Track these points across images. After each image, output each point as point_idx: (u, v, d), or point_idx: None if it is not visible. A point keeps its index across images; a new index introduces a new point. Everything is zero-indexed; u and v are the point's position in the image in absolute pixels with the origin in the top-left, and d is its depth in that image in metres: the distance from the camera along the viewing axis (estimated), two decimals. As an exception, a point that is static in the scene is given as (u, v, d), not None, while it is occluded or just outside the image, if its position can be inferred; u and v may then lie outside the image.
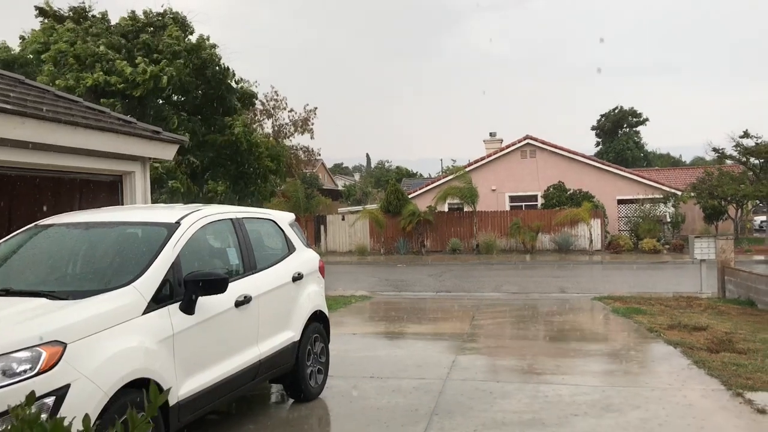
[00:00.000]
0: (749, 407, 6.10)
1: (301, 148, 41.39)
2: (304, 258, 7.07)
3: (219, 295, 5.12)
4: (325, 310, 7.25)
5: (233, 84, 20.55)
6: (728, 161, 37.21)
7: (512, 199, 38.56)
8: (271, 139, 28.53)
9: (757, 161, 34.78)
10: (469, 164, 40.06)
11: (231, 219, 6.06)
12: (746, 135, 34.59)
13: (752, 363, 7.89)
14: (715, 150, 36.91)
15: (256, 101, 22.46)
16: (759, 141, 34.31)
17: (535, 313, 14.16)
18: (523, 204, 37.94)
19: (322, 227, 37.80)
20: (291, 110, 39.35)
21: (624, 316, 12.67)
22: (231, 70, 20.38)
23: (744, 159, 35.20)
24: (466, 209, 36.20)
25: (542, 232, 34.23)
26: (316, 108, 39.62)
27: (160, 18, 20.55)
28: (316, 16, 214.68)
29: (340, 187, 72.58)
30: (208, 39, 20.09)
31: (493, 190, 37.65)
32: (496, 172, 38.52)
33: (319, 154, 44.43)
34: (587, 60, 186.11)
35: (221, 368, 5.28)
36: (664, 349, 9.20)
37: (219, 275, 5.12)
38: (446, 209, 36.87)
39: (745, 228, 38.12)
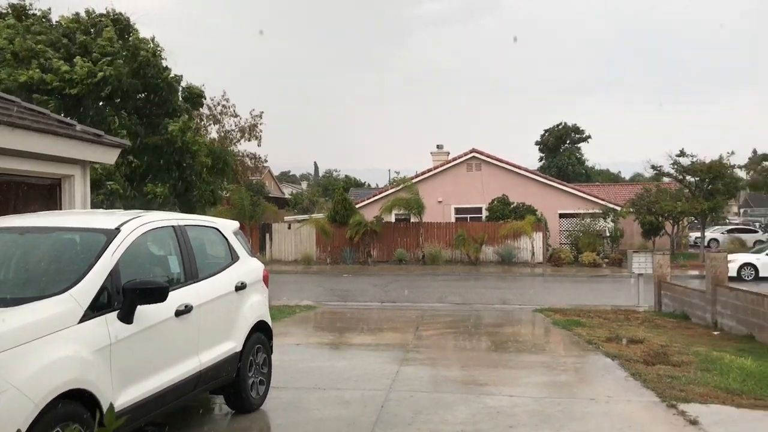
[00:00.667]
0: (682, 418, 6.28)
1: (248, 155, 40.91)
2: (248, 267, 6.98)
3: (159, 304, 5.01)
4: (269, 321, 7.17)
5: (178, 86, 20.19)
6: (666, 179, 38.44)
7: (458, 211, 38.97)
8: (215, 142, 28.11)
9: (692, 179, 36.04)
10: (417, 176, 40.34)
11: (173, 226, 5.94)
12: (683, 154, 35.84)
13: (685, 375, 8.14)
14: (653, 167, 38.12)
15: (204, 101, 21.97)
16: (695, 160, 35.60)
17: (478, 324, 14.31)
18: (469, 216, 38.40)
19: (267, 235, 37.44)
20: (238, 116, 38.92)
21: (564, 328, 12.91)
22: (177, 75, 20.04)
23: (681, 177, 36.44)
24: (412, 220, 36.41)
25: (486, 244, 34.68)
26: (262, 113, 39.27)
27: (102, 19, 20.09)
28: (266, 25, 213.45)
29: (287, 196, 72.09)
30: (153, 40, 19.72)
31: (440, 202, 37.97)
32: (442, 184, 38.88)
33: (266, 161, 44.00)
34: (533, 76, 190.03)
35: (160, 379, 5.16)
36: (602, 361, 9.40)
37: (159, 284, 5.01)
38: (393, 220, 37.02)
39: (680, 244, 39.39)
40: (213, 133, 38.08)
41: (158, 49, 19.62)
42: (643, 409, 6.75)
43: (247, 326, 6.58)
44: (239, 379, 6.40)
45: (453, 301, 20.08)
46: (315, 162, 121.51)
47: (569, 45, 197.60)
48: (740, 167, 39.46)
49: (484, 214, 37.68)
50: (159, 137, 18.61)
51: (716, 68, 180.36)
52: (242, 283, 6.60)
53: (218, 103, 38.03)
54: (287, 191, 79.22)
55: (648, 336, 11.63)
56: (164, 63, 19.64)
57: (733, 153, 36.19)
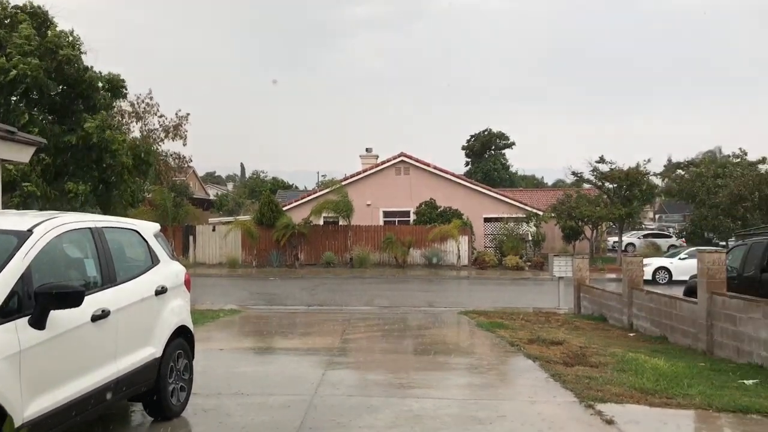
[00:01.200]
0: (599, 418, 6.48)
1: (172, 155, 39.93)
2: (169, 271, 6.80)
3: (74, 308, 4.81)
4: (190, 325, 7.00)
5: (98, 82, 19.43)
6: (586, 185, 39.73)
7: (386, 214, 39.18)
8: (137, 141, 27.20)
9: (611, 185, 37.39)
10: (345, 178, 40.33)
11: (90, 228, 5.72)
12: (602, 161, 37.14)
13: (603, 376, 8.41)
14: (574, 174, 39.40)
15: (126, 92, 21.11)
16: (613, 167, 36.94)
17: (405, 327, 14.40)
18: (397, 219, 38.66)
19: (191, 238, 36.63)
20: (162, 115, 37.94)
21: (487, 330, 13.14)
22: (98, 72, 19.32)
23: (600, 183, 37.75)
24: (341, 223, 36.36)
25: (414, 247, 34.99)
26: (188, 114, 38.40)
27: (18, 12, 19.16)
28: (194, 24, 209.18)
29: (212, 197, 70.75)
30: (72, 33, 18.93)
31: (368, 205, 38.07)
32: (371, 188, 39.01)
33: (191, 162, 43.04)
34: (461, 83, 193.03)
35: (74, 387, 4.95)
36: (524, 362, 9.62)
37: (74, 287, 4.81)
38: (321, 222, 36.87)
39: (599, 248, 40.78)
40: (135, 131, 36.98)
41: (78, 42, 18.88)
42: (562, 409, 6.93)
43: (168, 331, 6.41)
44: (159, 386, 6.22)
45: (380, 304, 20.15)
46: (242, 163, 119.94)
47: (496, 54, 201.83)
48: (656, 175, 41.22)
49: (412, 217, 38.01)
50: (76, 134, 17.89)
51: (636, 80, 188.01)
52: (163, 287, 6.43)
53: (142, 101, 37.03)
54: (212, 192, 77.72)
55: (568, 337, 11.97)
56: (84, 58, 18.91)
57: (649, 161, 37.77)
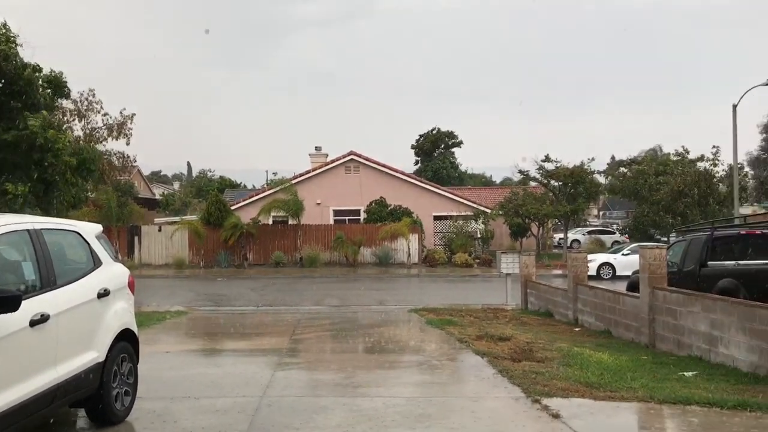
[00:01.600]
0: (545, 413, 6.59)
1: (115, 154, 38.94)
2: (112, 273, 6.64)
3: (11, 313, 4.66)
4: (135, 328, 6.85)
5: (38, 77, 18.79)
6: (532, 183, 40.40)
7: (336, 213, 39.08)
8: (79, 140, 26.48)
9: (556, 183, 38.12)
10: (295, 177, 40.08)
11: (27, 230, 5.54)
12: (547, 159, 37.85)
13: (549, 371, 8.56)
14: (521, 172, 40.04)
15: (68, 91, 20.46)
16: (558, 165, 37.66)
17: (355, 326, 14.39)
18: (347, 218, 38.61)
19: (136, 238, 35.90)
20: (106, 114, 36.99)
21: (437, 327, 13.24)
22: (39, 69, 18.70)
23: (546, 181, 38.45)
24: (290, 222, 36.14)
25: (364, 246, 35.01)
26: (134, 114, 37.51)
27: None
28: (139, 20, 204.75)
29: (157, 197, 69.40)
30: (5, 25, 18.27)
31: (318, 204, 37.91)
32: (320, 186, 38.85)
33: (135, 161, 42.04)
34: (410, 82, 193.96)
35: (12, 394, 4.79)
36: (472, 359, 9.72)
37: (10, 292, 4.67)
38: (270, 222, 36.57)
39: (546, 244, 41.53)
40: (77, 130, 35.99)
41: (13, 37, 18.23)
42: (510, 404, 7.03)
43: (111, 335, 6.26)
44: (102, 391, 6.07)
45: (331, 303, 20.10)
46: (188, 162, 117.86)
47: (444, 53, 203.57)
48: (600, 173, 42.21)
49: (363, 216, 38.03)
50: (16, 133, 17.28)
51: (581, 80, 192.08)
52: (105, 290, 6.28)
53: (85, 98, 36.02)
54: (158, 192, 76.21)
55: (515, 333, 12.14)
56: (22, 52, 18.25)
57: (593, 159, 38.69)
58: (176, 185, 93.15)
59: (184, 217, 41.94)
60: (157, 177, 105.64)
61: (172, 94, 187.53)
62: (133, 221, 36.79)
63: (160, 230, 36.46)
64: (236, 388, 7.83)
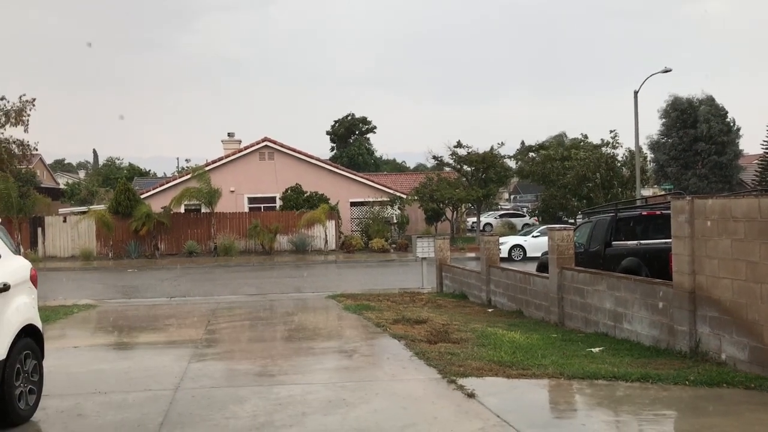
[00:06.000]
0: (461, 392, 6.74)
1: (14, 142, 36.97)
2: (12, 266, 6.31)
3: None
4: (39, 324, 6.55)
5: None
6: (446, 168, 41.02)
7: (251, 200, 38.51)
8: None
9: (469, 168, 38.84)
10: (207, 164, 39.20)
11: None
12: (459, 145, 38.46)
13: (464, 351, 8.75)
14: (434, 158, 40.50)
15: None
16: (470, 150, 38.37)
17: (272, 315, 14.27)
18: (262, 206, 38.12)
19: (39, 230, 34.28)
20: (2, 98, 35.02)
21: (354, 312, 13.30)
22: None
23: (458, 166, 39.10)
24: (203, 211, 35.36)
25: (281, 233, 34.69)
26: (34, 99, 35.69)
27: None
28: (39, 4, 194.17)
29: (62, 186, 66.48)
30: None
31: (232, 192, 37.23)
32: (234, 173, 38.14)
33: (36, 149, 40.05)
34: (324, 67, 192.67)
35: None
36: (389, 342, 9.81)
37: None
38: (182, 210, 35.66)
39: (460, 228, 42.33)
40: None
41: None
42: (426, 385, 7.15)
43: (12, 332, 5.95)
44: (4, 390, 5.77)
45: (247, 292, 19.84)
46: (94, 149, 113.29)
47: (355, 40, 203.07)
48: (510, 157, 43.25)
49: (278, 203, 37.65)
50: None
51: (491, 68, 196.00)
52: (5, 285, 5.96)
53: (-23, 84, 33.99)
54: (62, 181, 72.99)
55: (431, 316, 12.34)
56: None
57: (502, 144, 39.52)
58: (82, 174, 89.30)
59: (91, 207, 40.24)
60: (60, 166, 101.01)
61: (76, 81, 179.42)
62: (36, 212, 35.08)
63: (65, 221, 34.92)
64: (149, 381, 7.62)
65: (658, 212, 13.40)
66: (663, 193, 39.39)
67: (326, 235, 35.21)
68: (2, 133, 35.33)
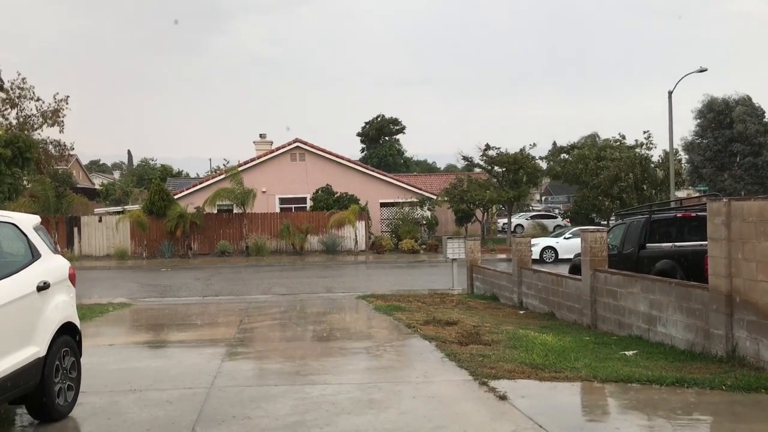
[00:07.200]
0: (492, 394, 6.71)
1: (51, 142, 37.76)
2: (52, 265, 6.45)
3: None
4: (77, 321, 6.68)
5: None
6: (477, 169, 40.87)
7: (282, 201, 38.80)
8: (13, 128, 25.53)
9: (499, 169, 38.63)
10: (239, 165, 39.61)
11: (-39, 223, 5.34)
12: (488, 147, 38.27)
13: (495, 353, 8.71)
14: (465, 159, 40.37)
15: (2, 83, 19.80)
16: (501, 151, 38.16)
17: (303, 314, 14.35)
18: (293, 206, 38.38)
19: (75, 229, 34.92)
20: (39, 99, 35.77)
21: (385, 313, 13.31)
22: None
23: (489, 167, 38.91)
24: (235, 211, 35.70)
25: (311, 233, 34.87)
26: (67, 97, 36.41)
27: None
28: (76, 4, 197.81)
29: (97, 186, 67.66)
30: None
31: (264, 192, 37.56)
32: (265, 174, 38.46)
33: (73, 149, 40.87)
34: (354, 68, 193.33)
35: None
36: (420, 344, 9.81)
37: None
38: (215, 211, 36.07)
39: (490, 229, 42.14)
40: (11, 118, 34.74)
41: None
42: (458, 387, 7.13)
43: (52, 329, 6.08)
44: (44, 386, 5.90)
45: (278, 291, 19.98)
46: (129, 150, 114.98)
47: (386, 40, 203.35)
48: (542, 158, 42.93)
49: (309, 204, 37.85)
50: None
51: (521, 67, 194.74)
52: (45, 283, 6.09)
53: (16, 86, 34.71)
54: (98, 181, 74.29)
55: (462, 317, 12.30)
56: None
57: (534, 145, 39.25)
58: (116, 174, 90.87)
59: (126, 207, 40.92)
60: (96, 166, 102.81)
61: (111, 82, 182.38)
62: (72, 212, 35.77)
63: (100, 221, 35.55)
64: (183, 379, 7.72)
65: (693, 214, 13.18)
66: (698, 194, 38.73)
67: (356, 236, 35.30)
68: (39, 134, 36.09)
